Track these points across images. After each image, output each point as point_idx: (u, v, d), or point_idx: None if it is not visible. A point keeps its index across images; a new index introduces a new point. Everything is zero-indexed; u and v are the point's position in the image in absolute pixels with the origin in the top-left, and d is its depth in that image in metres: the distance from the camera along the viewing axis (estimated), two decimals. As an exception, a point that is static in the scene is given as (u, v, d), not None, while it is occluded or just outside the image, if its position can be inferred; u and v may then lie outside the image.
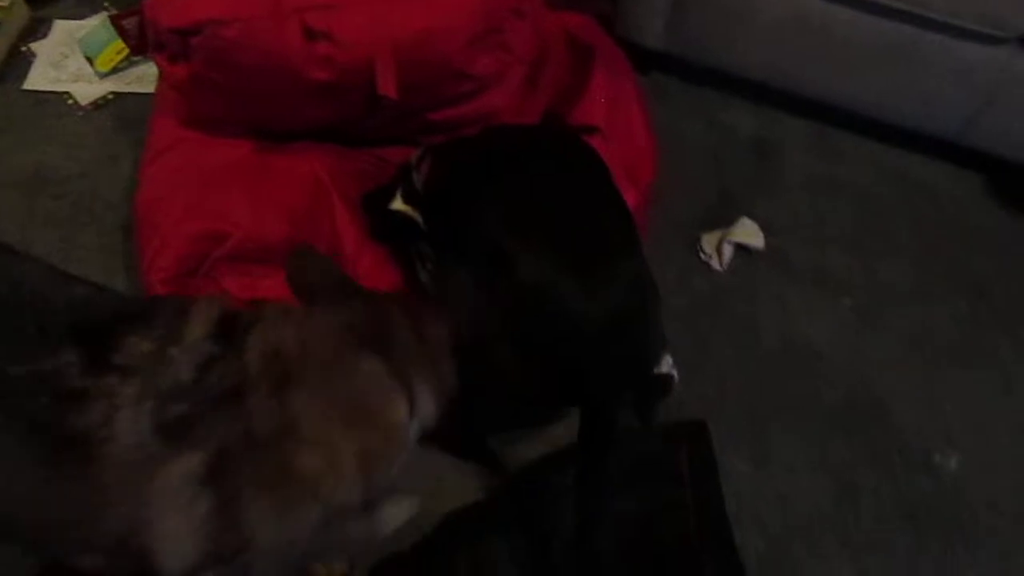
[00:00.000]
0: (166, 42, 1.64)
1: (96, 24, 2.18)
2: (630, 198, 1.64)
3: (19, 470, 0.97)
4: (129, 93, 2.12)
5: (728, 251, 1.91)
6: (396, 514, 1.19)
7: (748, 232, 1.93)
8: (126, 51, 2.12)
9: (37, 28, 2.24)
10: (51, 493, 0.97)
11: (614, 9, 2.14)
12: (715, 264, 1.91)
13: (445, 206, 1.51)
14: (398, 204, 1.60)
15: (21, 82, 2.12)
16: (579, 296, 1.28)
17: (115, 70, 2.14)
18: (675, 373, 1.68)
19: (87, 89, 2.12)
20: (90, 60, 2.13)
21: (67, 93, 2.10)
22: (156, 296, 1.36)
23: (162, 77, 1.85)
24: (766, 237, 1.94)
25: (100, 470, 0.94)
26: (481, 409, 1.43)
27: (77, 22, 2.24)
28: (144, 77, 2.13)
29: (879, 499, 1.60)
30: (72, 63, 2.16)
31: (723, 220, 1.97)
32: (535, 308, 1.29)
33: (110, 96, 2.11)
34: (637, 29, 2.10)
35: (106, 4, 2.27)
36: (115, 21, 2.14)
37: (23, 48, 2.19)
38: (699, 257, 1.92)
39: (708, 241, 1.94)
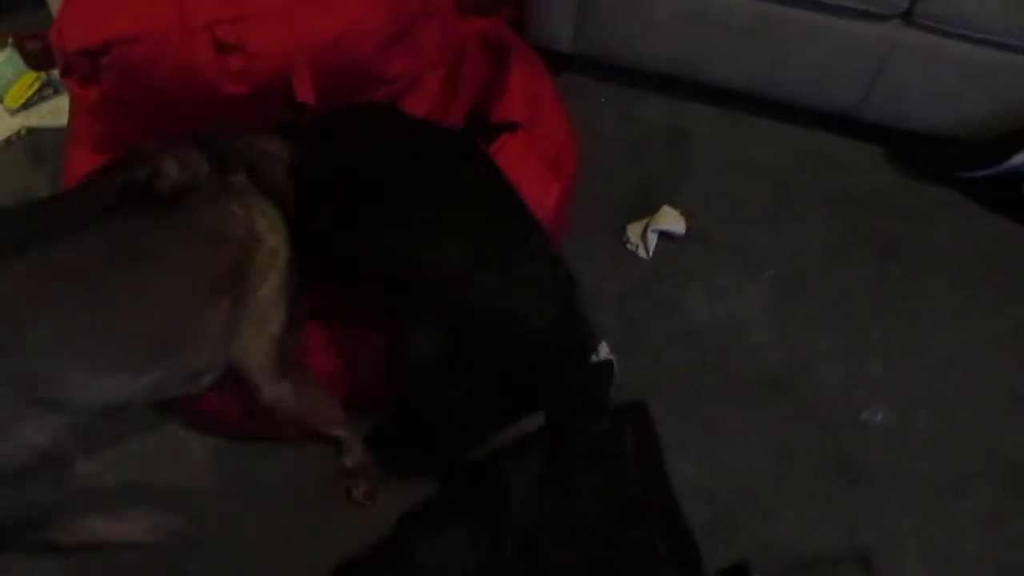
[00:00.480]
0: (75, 65, 1.61)
1: (1, 60, 2.15)
2: (555, 190, 1.70)
3: (169, 249, 1.32)
4: (43, 128, 2.10)
5: (653, 238, 1.99)
6: None
7: (670, 218, 2.02)
8: (36, 85, 2.11)
9: (-61, 71, 2.20)
10: (184, 244, 1.34)
11: (522, 16, 2.20)
12: (642, 252, 1.99)
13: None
14: None
15: (-73, 126, 2.09)
16: (513, 305, 1.29)
17: (26, 105, 2.12)
18: (612, 358, 1.74)
19: (-2, 125, 2.10)
20: (-1, 98, 2.11)
21: (-25, 131, 2.08)
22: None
23: (74, 105, 1.83)
24: (687, 222, 2.02)
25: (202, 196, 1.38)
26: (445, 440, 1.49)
27: (-20, 61, 2.22)
28: (57, 110, 2.12)
29: (815, 457, 1.69)
30: (-22, 102, 2.13)
31: (646, 209, 2.05)
32: (489, 333, 1.28)
33: (23, 132, 2.09)
34: (547, 35, 2.17)
35: (9, 41, 2.23)
36: (18, 42, 2.12)
37: (-75, 92, 2.15)
38: (626, 247, 2.00)
39: (633, 230, 2.01)
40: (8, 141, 2.08)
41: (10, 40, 2.22)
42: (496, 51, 1.96)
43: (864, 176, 2.18)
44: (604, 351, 1.75)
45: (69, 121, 1.90)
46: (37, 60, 2.13)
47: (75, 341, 1.21)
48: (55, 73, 2.16)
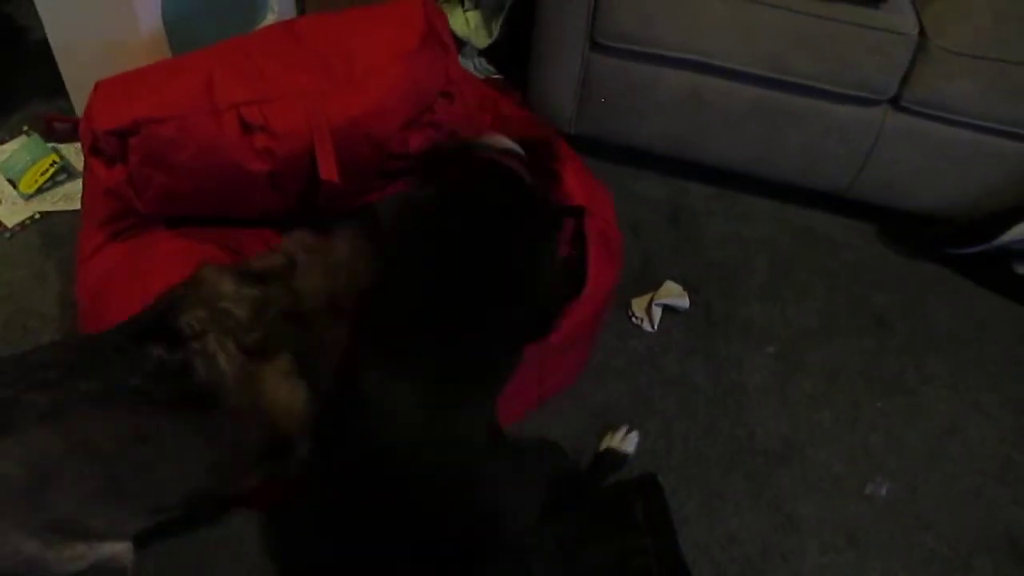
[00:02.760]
0: (103, 147, 1.65)
1: (16, 147, 2.19)
2: (612, 268, 1.76)
3: (185, 448, 1.32)
4: (56, 212, 2.13)
5: (657, 313, 2.04)
6: None
7: (673, 293, 2.07)
8: (50, 171, 2.14)
9: (-44, 155, 2.24)
10: (208, 446, 1.33)
11: (524, 100, 2.29)
12: (647, 326, 2.03)
13: None
14: None
15: (-56, 209, 2.12)
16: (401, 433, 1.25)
17: (40, 191, 2.14)
18: (630, 451, 1.77)
19: (11, 211, 2.12)
20: (13, 183, 2.14)
21: (-9, 216, 2.11)
22: (163, 293, 1.45)
23: (89, 187, 1.87)
24: (690, 296, 2.08)
25: (228, 399, 1.31)
26: None
27: (-4, 147, 2.26)
28: (70, 195, 2.15)
29: (823, 528, 1.72)
30: (-8, 187, 2.17)
31: (650, 284, 2.10)
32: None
33: (36, 216, 2.12)
34: (549, 116, 2.25)
35: (25, 128, 2.28)
36: (48, 122, 2.18)
37: (-58, 174, 2.19)
38: (631, 321, 2.04)
39: (638, 305, 2.06)
40: (22, 225, 2.11)
41: (25, 127, 2.28)
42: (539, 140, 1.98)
43: (858, 252, 2.26)
44: (631, 443, 1.77)
45: (82, 203, 1.93)
46: (63, 139, 2.21)
47: (95, 503, 1.26)
48: (69, 159, 2.22)
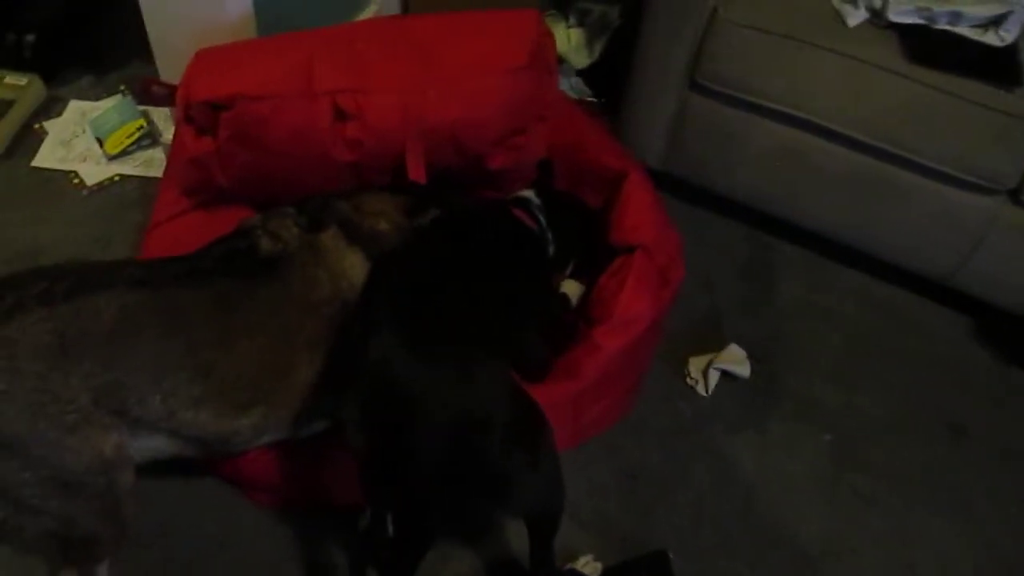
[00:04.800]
0: (196, 116, 1.68)
1: (109, 107, 2.24)
2: (654, 304, 1.69)
3: (261, 313, 1.43)
4: (135, 176, 2.16)
5: (714, 377, 1.92)
6: None
7: (736, 359, 1.94)
8: (136, 135, 2.18)
9: (52, 107, 2.30)
10: (282, 310, 1.45)
11: (616, 127, 2.19)
12: (700, 389, 1.91)
13: None
14: None
15: (30, 158, 2.18)
16: (413, 376, 1.21)
17: (123, 153, 2.19)
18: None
19: (94, 170, 2.17)
20: (100, 141, 2.19)
21: (74, 172, 2.15)
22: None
23: (174, 153, 1.89)
24: (752, 365, 1.95)
25: (294, 259, 1.49)
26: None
27: (91, 103, 2.31)
28: (150, 162, 2.18)
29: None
30: (81, 143, 2.21)
31: (711, 342, 1.98)
32: (372, 386, 1.26)
33: (116, 178, 2.16)
34: (639, 149, 2.14)
35: (121, 88, 2.33)
36: (146, 85, 2.23)
37: (36, 125, 2.25)
38: (685, 380, 1.93)
39: (695, 365, 1.95)
40: (100, 186, 2.15)
41: (122, 87, 2.32)
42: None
43: (946, 346, 2.07)
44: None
45: (165, 169, 1.96)
46: (158, 103, 2.26)
47: (166, 372, 1.32)
48: (157, 124, 2.24)
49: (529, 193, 1.78)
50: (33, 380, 1.20)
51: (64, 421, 1.22)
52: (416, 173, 1.64)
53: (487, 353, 1.30)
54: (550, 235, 1.75)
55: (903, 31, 1.81)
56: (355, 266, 1.51)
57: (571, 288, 1.85)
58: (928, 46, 1.79)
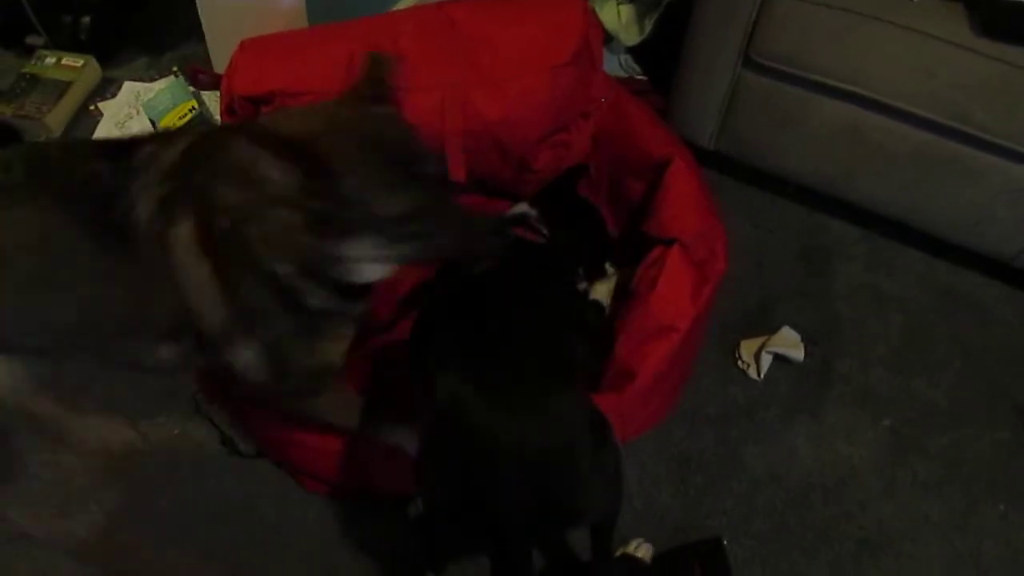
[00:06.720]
0: (238, 108, 1.69)
1: (162, 88, 2.26)
2: (703, 295, 1.60)
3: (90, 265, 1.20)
4: (186, 157, 2.18)
5: (767, 361, 1.88)
6: None
7: (789, 342, 1.90)
8: (188, 116, 2.20)
9: (107, 88, 2.33)
10: (119, 281, 1.21)
11: (667, 106, 2.15)
12: (752, 373, 1.88)
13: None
14: None
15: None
16: (491, 422, 1.15)
17: (176, 134, 2.21)
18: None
19: (148, 151, 2.19)
20: (153, 123, 2.20)
21: (128, 154, 2.17)
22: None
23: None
24: (807, 348, 1.90)
25: (139, 248, 1.17)
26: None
27: (145, 84, 2.32)
28: (203, 142, 2.20)
29: (908, 640, 1.55)
30: (135, 124, 2.23)
31: (763, 326, 1.94)
32: (445, 427, 1.21)
33: (168, 159, 2.17)
34: (690, 128, 2.10)
35: (175, 69, 2.34)
36: (193, 72, 2.23)
37: (91, 107, 2.28)
38: (737, 365, 1.90)
39: (747, 348, 1.91)
40: (153, 164, 2.17)
41: (175, 68, 2.34)
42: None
43: (1011, 330, 2.00)
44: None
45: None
46: (204, 88, 2.28)
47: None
48: (209, 107, 2.26)
49: (523, 207, 1.74)
50: None
51: None
52: (456, 174, 1.63)
53: (556, 380, 1.23)
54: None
55: (971, 3, 1.73)
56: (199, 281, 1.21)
57: (601, 292, 1.81)
58: (998, 18, 1.71)
